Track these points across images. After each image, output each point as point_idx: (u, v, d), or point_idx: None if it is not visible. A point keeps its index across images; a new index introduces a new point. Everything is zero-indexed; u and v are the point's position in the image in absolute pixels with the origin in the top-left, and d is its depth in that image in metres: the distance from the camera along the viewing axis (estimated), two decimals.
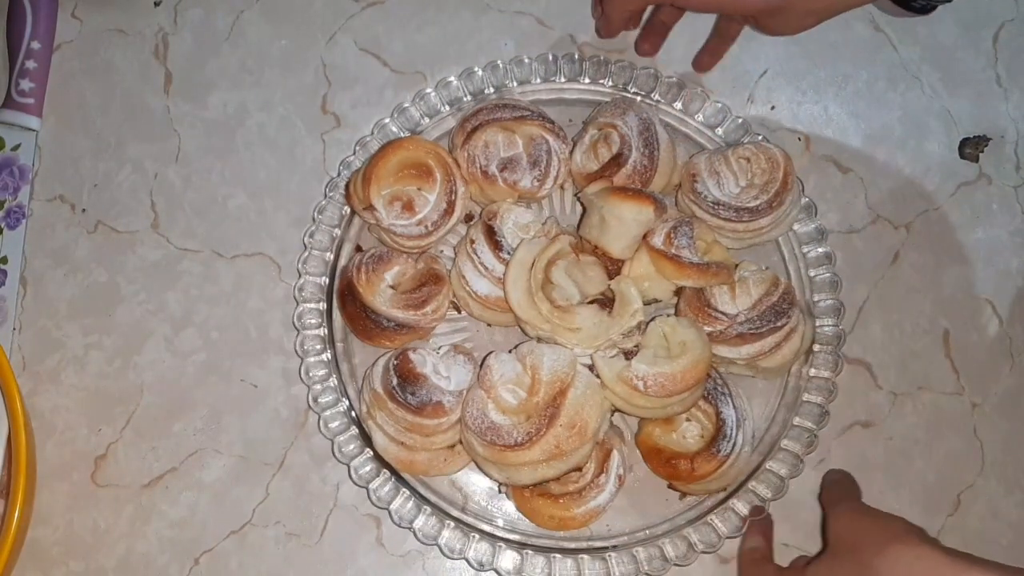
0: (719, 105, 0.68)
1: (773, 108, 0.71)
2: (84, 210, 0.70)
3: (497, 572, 0.59)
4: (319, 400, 0.62)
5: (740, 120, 0.67)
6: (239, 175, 0.70)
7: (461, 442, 0.59)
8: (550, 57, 0.68)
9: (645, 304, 0.60)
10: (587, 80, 0.69)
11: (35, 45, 0.72)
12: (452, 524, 0.60)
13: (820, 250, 0.65)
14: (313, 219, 0.66)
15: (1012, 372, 0.65)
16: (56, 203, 0.70)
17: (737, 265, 0.63)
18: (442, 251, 0.66)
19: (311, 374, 0.62)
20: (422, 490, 0.61)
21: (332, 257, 0.65)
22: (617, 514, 0.61)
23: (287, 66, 0.73)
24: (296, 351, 0.63)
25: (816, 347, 0.63)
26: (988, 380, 0.65)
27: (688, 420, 0.61)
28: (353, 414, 0.62)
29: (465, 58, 0.72)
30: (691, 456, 0.58)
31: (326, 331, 0.64)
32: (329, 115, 0.71)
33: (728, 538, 0.59)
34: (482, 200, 0.66)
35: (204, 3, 0.74)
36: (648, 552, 0.59)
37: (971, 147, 0.70)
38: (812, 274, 0.65)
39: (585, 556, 0.59)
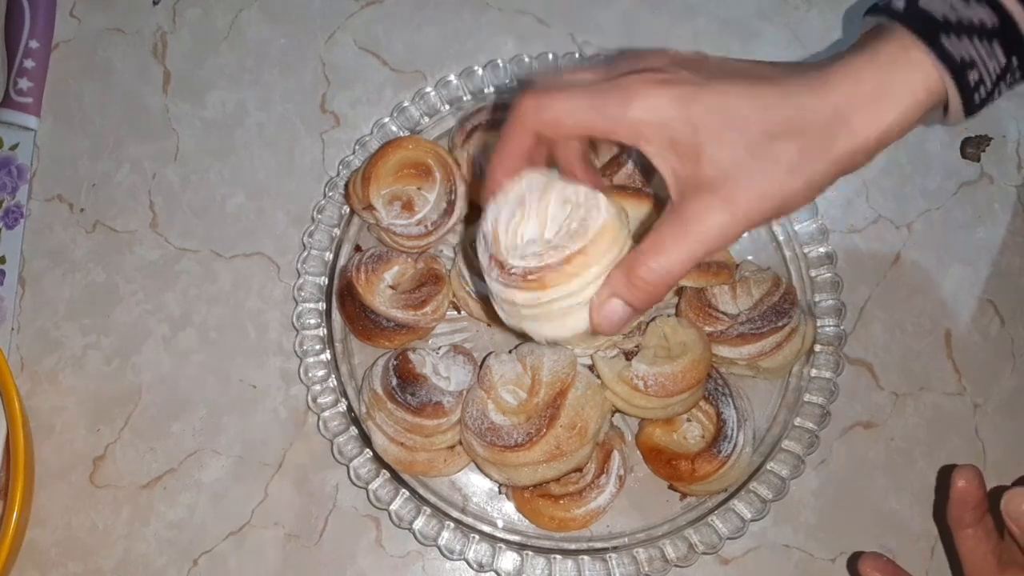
0: None
1: None
2: (82, 210, 0.69)
3: (497, 573, 0.59)
4: (318, 400, 0.62)
5: None
6: (238, 175, 0.70)
7: (461, 443, 0.59)
8: (550, 56, 0.68)
9: None
10: None
11: (33, 44, 0.71)
12: (452, 525, 0.60)
13: (821, 250, 0.65)
14: (312, 219, 0.66)
15: (1014, 372, 0.65)
16: (54, 203, 0.70)
17: (738, 265, 0.63)
18: (442, 251, 0.66)
19: (310, 374, 0.62)
20: (422, 491, 0.61)
21: (331, 257, 0.65)
22: (618, 515, 0.60)
23: (286, 65, 0.72)
24: (295, 351, 0.63)
25: (817, 347, 0.62)
26: (990, 380, 0.65)
27: (689, 421, 0.61)
28: (352, 415, 0.62)
29: (465, 57, 0.72)
30: (692, 457, 0.58)
31: (325, 331, 0.63)
32: (328, 114, 0.71)
33: (729, 539, 0.58)
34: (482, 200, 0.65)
35: (203, 2, 0.74)
36: (649, 553, 0.59)
37: (973, 146, 0.70)
38: (813, 274, 0.65)
39: (585, 557, 0.59)
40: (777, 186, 0.39)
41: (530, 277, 0.41)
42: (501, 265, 0.42)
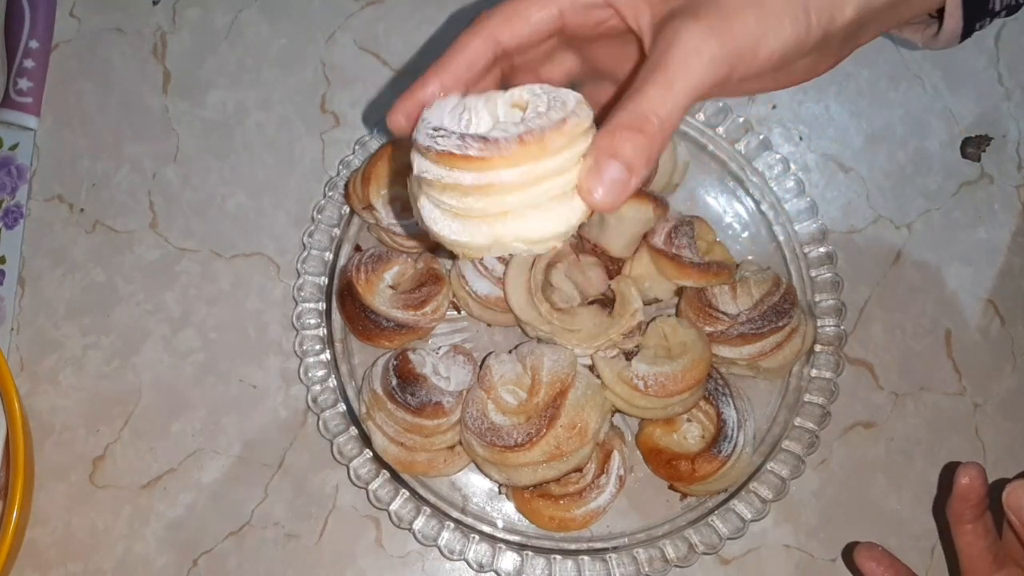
0: (720, 104, 0.67)
1: (774, 107, 0.71)
2: (82, 210, 0.69)
3: (497, 573, 0.59)
4: (318, 401, 0.62)
5: (741, 119, 0.67)
6: (238, 174, 0.70)
7: (461, 443, 0.59)
8: None
9: (646, 304, 0.60)
10: None
11: (33, 44, 0.71)
12: (452, 525, 0.59)
13: (821, 250, 0.65)
14: (312, 219, 0.66)
15: (1014, 372, 0.65)
16: (54, 203, 0.70)
17: (738, 265, 0.63)
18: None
19: (310, 374, 0.62)
20: (421, 491, 0.61)
21: (331, 257, 0.65)
22: (618, 515, 0.60)
23: (286, 65, 0.72)
24: (295, 351, 0.63)
25: (817, 347, 0.62)
26: (990, 380, 0.65)
27: (689, 421, 0.60)
28: (352, 415, 0.62)
29: None
30: (692, 457, 0.58)
31: (325, 331, 0.63)
32: (328, 114, 0.71)
33: (729, 539, 0.58)
34: None
35: (202, 2, 0.74)
36: (649, 553, 0.59)
37: (973, 146, 0.70)
38: (813, 274, 0.65)
39: (585, 557, 0.59)
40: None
41: (527, 138, 0.32)
42: (475, 141, 0.32)
